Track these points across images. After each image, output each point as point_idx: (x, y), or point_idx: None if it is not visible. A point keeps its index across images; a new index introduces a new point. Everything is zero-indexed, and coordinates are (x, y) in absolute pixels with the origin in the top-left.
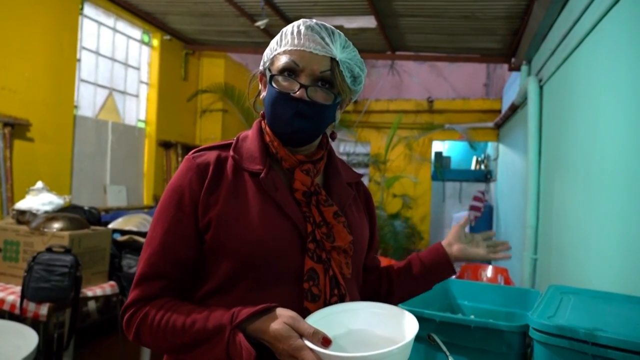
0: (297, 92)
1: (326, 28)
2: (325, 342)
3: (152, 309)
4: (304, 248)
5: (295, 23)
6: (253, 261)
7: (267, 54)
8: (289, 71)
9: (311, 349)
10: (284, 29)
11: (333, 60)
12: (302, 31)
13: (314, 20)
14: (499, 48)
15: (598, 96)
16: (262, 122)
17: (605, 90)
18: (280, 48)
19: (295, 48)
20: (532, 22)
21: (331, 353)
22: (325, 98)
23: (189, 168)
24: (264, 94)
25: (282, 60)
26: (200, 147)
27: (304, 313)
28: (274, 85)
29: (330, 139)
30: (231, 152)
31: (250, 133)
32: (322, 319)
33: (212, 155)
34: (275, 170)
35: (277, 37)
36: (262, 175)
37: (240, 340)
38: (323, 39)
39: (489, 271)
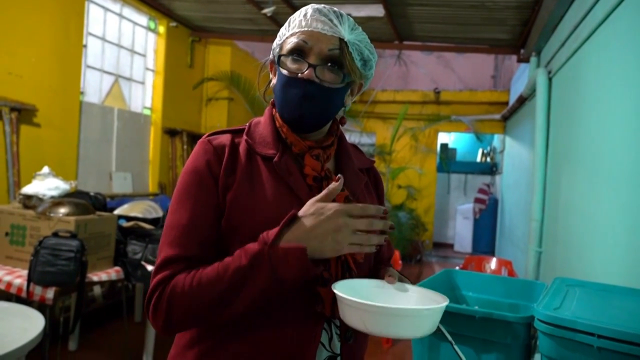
0: (305, 72)
1: (334, 11)
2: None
3: (180, 278)
4: None
5: (303, 8)
6: None
7: (277, 41)
8: (298, 51)
9: (342, 298)
10: (292, 15)
11: (342, 40)
12: (310, 13)
13: (323, 4)
14: (508, 39)
15: (608, 89)
16: (273, 109)
17: (616, 83)
18: (288, 32)
19: (303, 29)
20: (543, 12)
21: (368, 303)
22: (334, 79)
23: (206, 150)
24: (274, 81)
25: (291, 42)
26: (213, 131)
27: (316, 297)
28: (282, 68)
29: (340, 124)
30: (245, 137)
31: (263, 119)
32: (352, 289)
33: (226, 138)
34: (287, 155)
35: (286, 23)
36: (276, 159)
37: (283, 248)
38: (331, 20)
39: (493, 263)
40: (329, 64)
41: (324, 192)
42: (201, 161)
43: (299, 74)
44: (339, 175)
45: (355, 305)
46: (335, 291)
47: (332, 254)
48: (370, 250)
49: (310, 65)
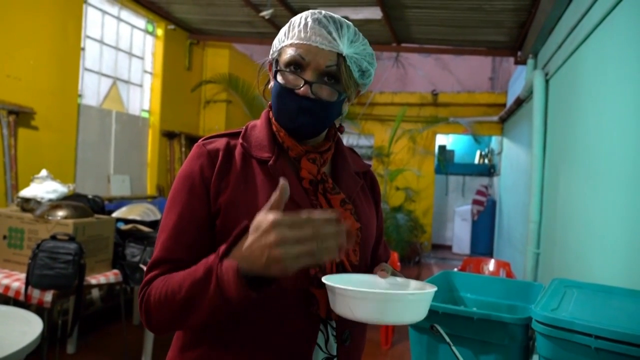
0: (302, 89)
1: (334, 21)
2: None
3: (155, 284)
4: None
5: (304, 14)
6: None
7: (275, 44)
8: (295, 65)
9: (329, 285)
10: (293, 20)
11: (339, 55)
12: (310, 24)
13: (324, 12)
14: (506, 41)
15: (605, 90)
16: (270, 111)
17: (613, 85)
18: (287, 40)
19: (301, 42)
20: (540, 14)
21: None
22: (330, 94)
23: (199, 154)
24: (272, 83)
25: (289, 53)
26: (209, 135)
27: (311, 299)
28: (279, 79)
29: (338, 132)
30: (240, 140)
31: (259, 122)
32: (343, 281)
33: (221, 142)
34: (283, 158)
35: (286, 27)
36: (271, 162)
37: (225, 265)
38: (330, 33)
39: (491, 265)
40: (326, 78)
41: (271, 199)
42: (194, 165)
43: (295, 90)
44: (282, 179)
45: (341, 292)
46: (323, 280)
47: (279, 273)
48: (332, 258)
49: (306, 82)
